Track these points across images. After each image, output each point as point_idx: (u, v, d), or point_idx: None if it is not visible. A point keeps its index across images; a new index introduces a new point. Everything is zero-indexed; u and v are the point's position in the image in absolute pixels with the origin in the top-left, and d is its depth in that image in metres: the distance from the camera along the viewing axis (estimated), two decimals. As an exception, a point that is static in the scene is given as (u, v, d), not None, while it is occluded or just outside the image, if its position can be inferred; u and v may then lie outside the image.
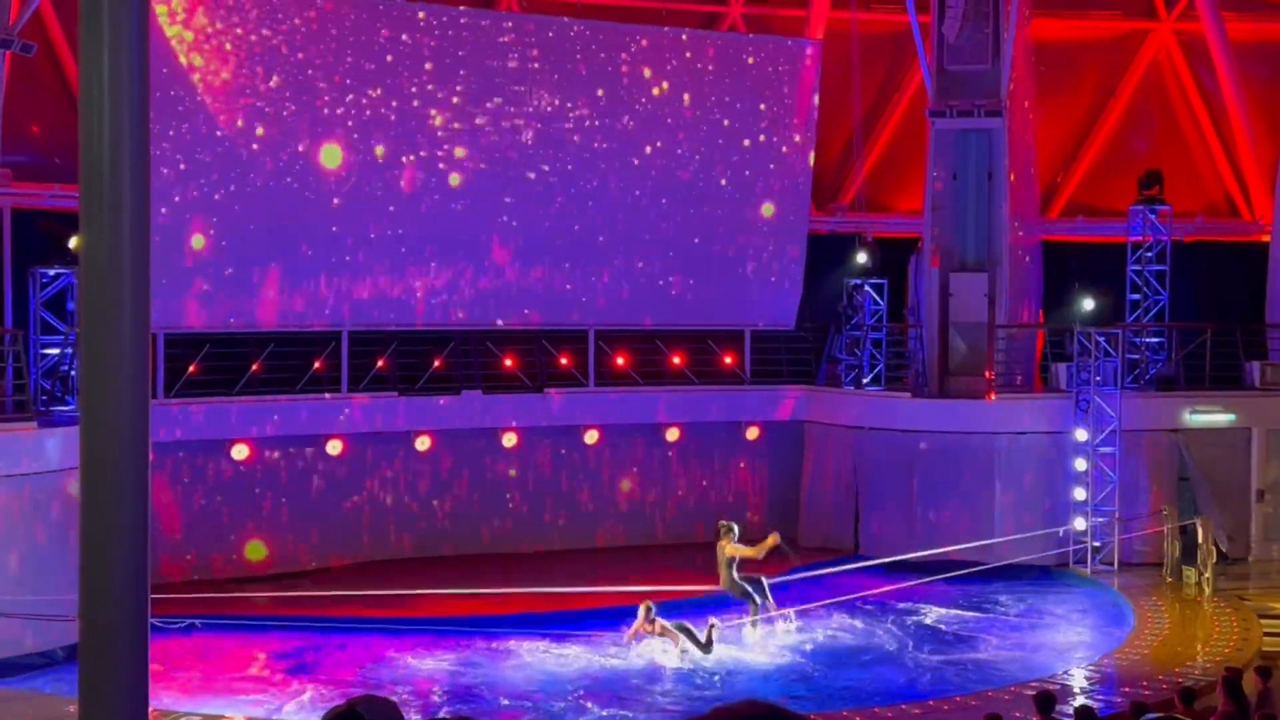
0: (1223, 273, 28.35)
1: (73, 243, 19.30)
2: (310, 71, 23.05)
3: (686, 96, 25.85)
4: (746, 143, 26.34)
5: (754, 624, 19.13)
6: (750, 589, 19.11)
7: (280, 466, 23.29)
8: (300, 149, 23.10)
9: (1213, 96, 29.70)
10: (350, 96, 23.38)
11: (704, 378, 26.48)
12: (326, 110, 23.23)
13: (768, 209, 26.62)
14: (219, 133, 22.46)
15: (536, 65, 24.68)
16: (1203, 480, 23.61)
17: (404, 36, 23.71)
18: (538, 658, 18.76)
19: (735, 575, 19.05)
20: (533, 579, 21.05)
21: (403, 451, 24.20)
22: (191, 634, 18.56)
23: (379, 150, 23.62)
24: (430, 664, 18.58)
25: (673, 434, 25.99)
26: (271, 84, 22.78)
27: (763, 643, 19.39)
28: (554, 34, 24.94)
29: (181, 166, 22.07)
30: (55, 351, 19.68)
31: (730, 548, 19.06)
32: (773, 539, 19.50)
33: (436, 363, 24.46)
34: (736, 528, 19.35)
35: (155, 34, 20.34)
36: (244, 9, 22.52)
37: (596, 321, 25.73)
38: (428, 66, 23.85)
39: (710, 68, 26.07)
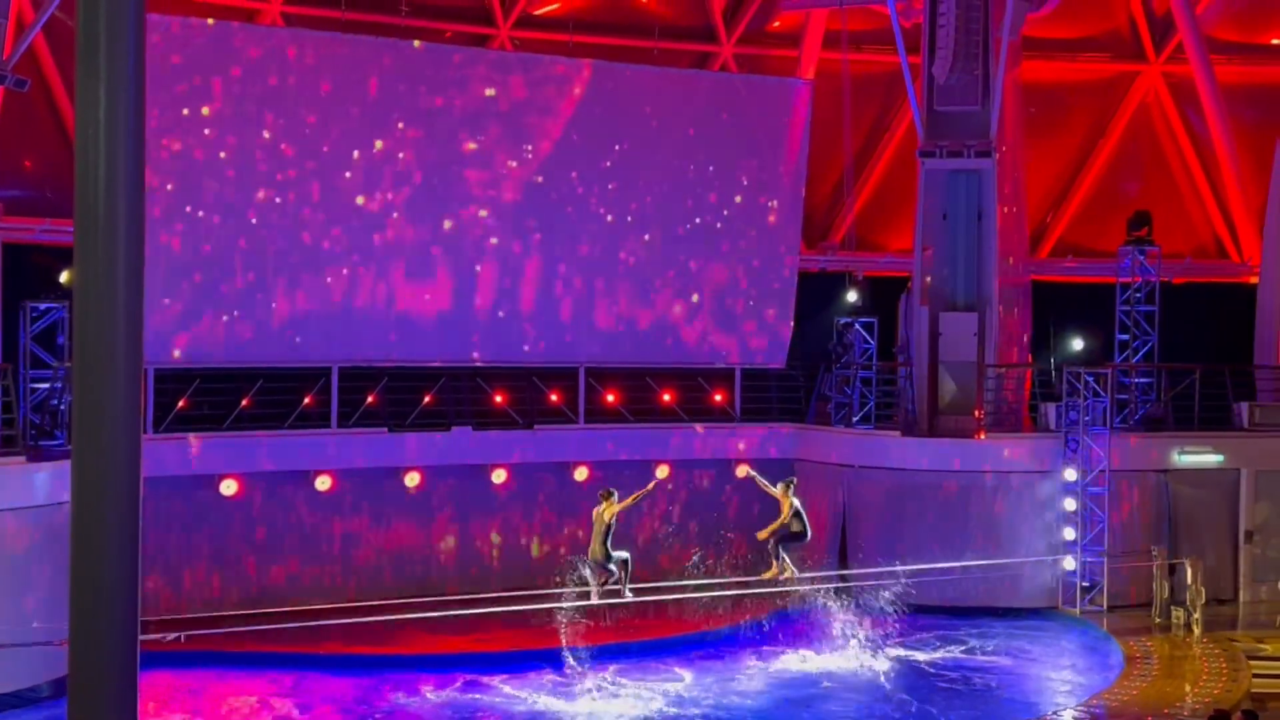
0: (1211, 314, 28.43)
1: (64, 277, 19.33)
2: (302, 113, 23.10)
3: (677, 135, 25.93)
4: (737, 181, 26.42)
5: (597, 593, 18.30)
6: (615, 567, 18.00)
7: (269, 502, 23.23)
8: (292, 188, 23.14)
9: (1201, 138, 29.87)
10: (339, 137, 23.43)
11: (694, 415, 26.48)
12: (317, 149, 23.27)
13: (758, 247, 26.68)
14: (210, 167, 22.53)
15: (526, 104, 24.75)
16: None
17: (392, 75, 23.77)
18: (528, 695, 18.68)
19: (609, 546, 17.94)
20: (523, 615, 20.98)
21: (392, 487, 24.15)
22: (181, 640, 18.38)
23: (360, 199, 23.67)
24: (420, 701, 18.50)
25: (662, 471, 25.95)
26: (263, 126, 22.85)
27: (751, 682, 19.35)
28: (545, 72, 25.02)
29: (171, 198, 22.12)
30: (45, 386, 19.65)
31: (610, 510, 17.91)
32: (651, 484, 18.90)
33: (427, 399, 24.44)
34: (616, 493, 18.14)
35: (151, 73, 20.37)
36: (239, 56, 22.64)
37: (587, 359, 25.75)
38: (417, 105, 23.92)
39: (702, 107, 26.16)
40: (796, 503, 19.25)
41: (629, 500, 18.08)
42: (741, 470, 26.36)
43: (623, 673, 19.50)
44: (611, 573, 18.05)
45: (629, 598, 18.36)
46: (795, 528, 19.25)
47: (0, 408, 19.25)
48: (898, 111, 29.11)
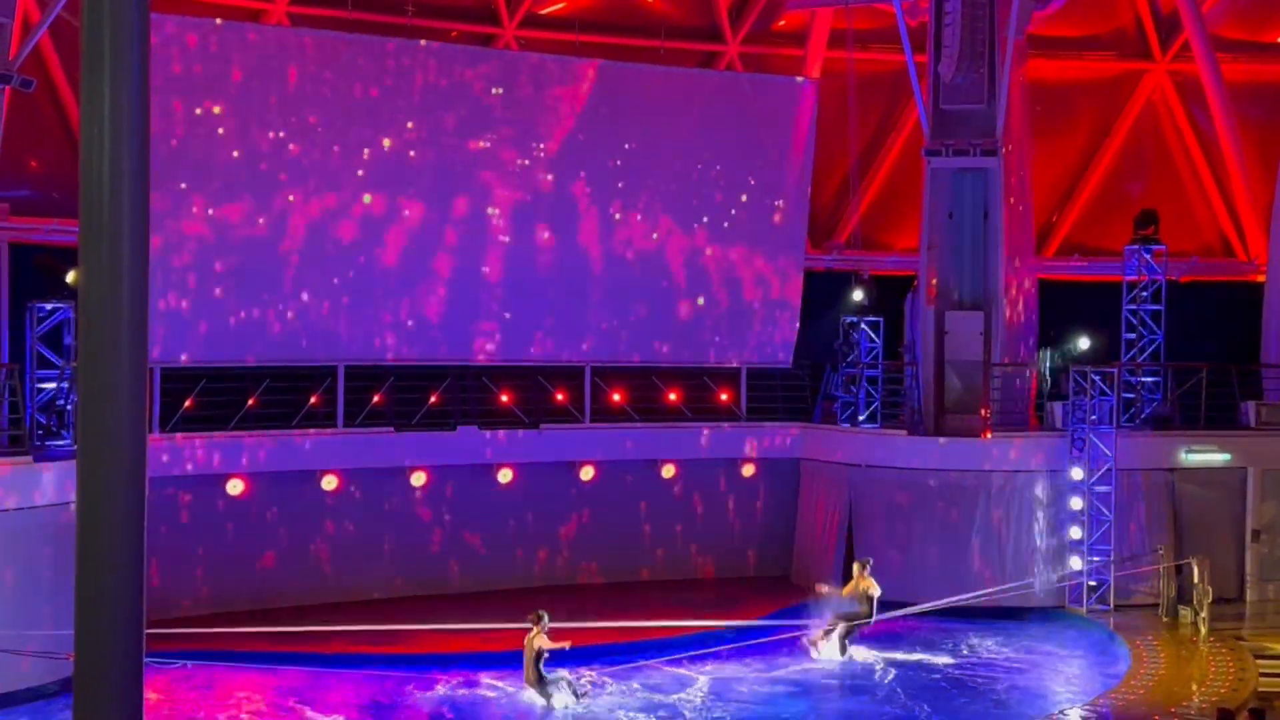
0: (1218, 312, 28.40)
1: (70, 277, 19.34)
2: (309, 112, 23.13)
3: (684, 134, 25.94)
4: (743, 180, 26.43)
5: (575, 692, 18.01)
6: (548, 690, 17.73)
7: (275, 502, 23.25)
8: (299, 186, 23.18)
9: (1208, 137, 29.83)
10: (346, 136, 23.46)
11: (700, 414, 26.50)
12: (325, 148, 23.30)
13: (763, 246, 26.68)
14: (217, 166, 22.57)
15: (532, 104, 24.77)
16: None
17: (398, 74, 23.79)
18: (532, 697, 18.66)
19: (541, 669, 17.71)
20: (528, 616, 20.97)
21: (398, 487, 24.17)
22: (187, 667, 18.47)
23: (367, 197, 23.70)
24: (424, 701, 18.51)
25: (668, 470, 25.98)
26: (271, 126, 22.88)
27: (756, 682, 19.37)
28: (552, 71, 25.04)
29: (179, 196, 22.16)
30: (51, 386, 19.66)
31: (539, 637, 17.66)
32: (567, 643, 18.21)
33: (433, 398, 24.46)
34: (546, 616, 17.92)
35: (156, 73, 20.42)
36: (246, 55, 22.69)
37: (593, 358, 25.76)
38: (424, 104, 23.94)
39: (708, 106, 26.16)
40: (875, 590, 20.19)
41: (558, 645, 17.79)
42: (748, 470, 26.41)
43: (625, 674, 19.49)
44: (550, 696, 17.68)
45: (585, 690, 18.15)
46: (862, 611, 20.22)
47: (7, 408, 19.29)
48: (903, 110, 29.09)
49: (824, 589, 21.08)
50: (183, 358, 22.48)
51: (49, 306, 19.81)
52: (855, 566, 20.65)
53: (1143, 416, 25.08)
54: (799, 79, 27.35)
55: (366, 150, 23.62)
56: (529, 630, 17.82)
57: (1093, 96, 30.03)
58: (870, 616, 20.31)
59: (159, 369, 21.89)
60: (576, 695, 17.85)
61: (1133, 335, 26.14)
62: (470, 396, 25.00)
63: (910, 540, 23.93)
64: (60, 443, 19.29)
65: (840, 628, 20.36)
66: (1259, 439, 24.62)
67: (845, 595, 20.75)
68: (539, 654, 17.65)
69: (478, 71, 24.46)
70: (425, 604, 23.01)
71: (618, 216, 25.69)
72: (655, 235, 25.97)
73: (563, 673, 17.92)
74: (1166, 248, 26.33)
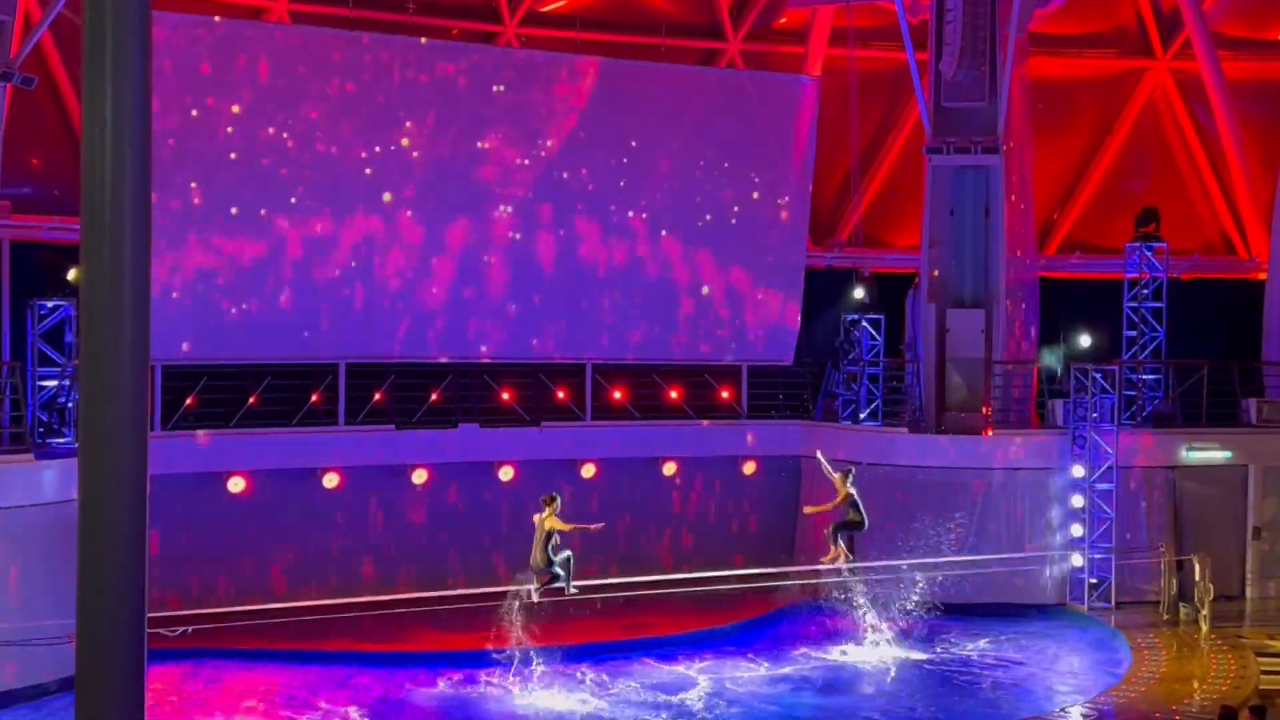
0: (1219, 310, 28.40)
1: (71, 275, 19.35)
2: (310, 109, 23.12)
3: (685, 132, 25.93)
4: (744, 178, 26.41)
5: (536, 592, 18.35)
6: (559, 569, 18.04)
7: (276, 499, 23.24)
8: (300, 184, 23.17)
9: (1209, 134, 29.81)
10: (346, 134, 23.45)
11: (701, 412, 26.50)
12: (326, 145, 23.29)
13: (765, 244, 26.67)
14: (220, 163, 22.57)
15: (533, 102, 24.77)
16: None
17: (399, 72, 23.79)
18: (541, 693, 18.68)
19: (550, 553, 17.94)
20: (531, 614, 20.96)
21: (399, 485, 24.17)
22: (188, 633, 18.42)
23: (368, 195, 23.69)
24: (427, 698, 18.52)
25: (670, 468, 25.97)
26: (271, 123, 22.88)
27: (756, 679, 19.37)
28: (553, 69, 25.03)
29: (186, 195, 22.15)
30: (53, 383, 19.67)
31: (550, 520, 17.95)
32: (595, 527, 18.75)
33: (434, 396, 24.46)
34: (559, 499, 18.20)
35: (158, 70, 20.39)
36: (247, 53, 22.68)
37: (594, 355, 25.76)
38: (424, 102, 23.92)
39: (709, 104, 26.15)
40: (854, 492, 20.10)
41: (569, 526, 17.98)
42: (749, 467, 26.41)
43: (627, 671, 19.50)
44: (557, 575, 17.99)
45: (573, 593, 18.32)
46: (852, 517, 20.16)
47: (8, 405, 19.29)
48: (904, 108, 29.07)
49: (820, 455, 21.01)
50: (184, 346, 22.44)
51: (50, 304, 19.83)
52: (837, 476, 20.41)
53: (1144, 414, 25.08)
54: (800, 77, 27.34)
55: (367, 147, 23.59)
56: (541, 513, 17.92)
57: (1094, 94, 30.01)
58: (862, 522, 20.07)
59: (160, 366, 21.88)
60: (569, 580, 17.99)
61: (1134, 333, 26.15)
62: (471, 394, 24.99)
63: (912, 538, 23.87)
64: (61, 440, 19.31)
65: (836, 531, 20.26)
66: (1260, 436, 24.62)
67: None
68: (549, 536, 17.77)
69: (479, 69, 24.44)
70: (426, 602, 22.96)
71: (619, 214, 25.66)
72: (656, 232, 25.95)
73: (567, 552, 18.03)
74: (1168, 245, 26.33)
